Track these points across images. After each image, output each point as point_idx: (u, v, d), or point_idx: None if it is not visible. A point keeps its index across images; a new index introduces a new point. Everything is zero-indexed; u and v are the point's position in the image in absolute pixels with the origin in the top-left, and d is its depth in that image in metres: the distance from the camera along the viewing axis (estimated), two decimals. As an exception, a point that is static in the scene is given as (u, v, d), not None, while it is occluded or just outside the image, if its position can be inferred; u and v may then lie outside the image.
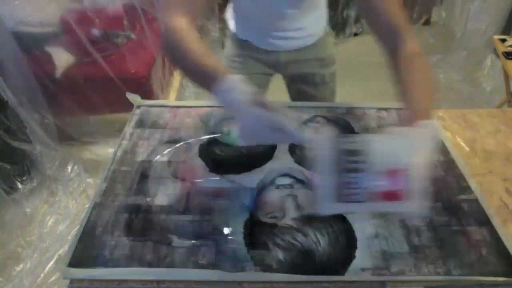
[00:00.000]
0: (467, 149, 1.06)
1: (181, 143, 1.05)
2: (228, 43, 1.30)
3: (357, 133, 1.08)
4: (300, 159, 1.00)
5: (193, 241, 0.79)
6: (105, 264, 0.76)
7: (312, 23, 1.20)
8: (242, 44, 1.24)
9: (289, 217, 0.83)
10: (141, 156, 1.01)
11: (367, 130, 1.09)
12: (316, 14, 1.19)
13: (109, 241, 0.80)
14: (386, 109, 1.17)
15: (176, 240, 0.80)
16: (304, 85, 1.32)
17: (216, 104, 1.15)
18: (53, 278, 1.56)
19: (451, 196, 0.89)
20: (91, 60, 1.95)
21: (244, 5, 1.11)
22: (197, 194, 0.90)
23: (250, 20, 1.17)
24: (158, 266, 0.75)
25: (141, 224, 0.83)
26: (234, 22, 1.23)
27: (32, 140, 1.81)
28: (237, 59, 1.28)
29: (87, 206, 0.89)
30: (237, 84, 0.68)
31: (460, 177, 0.94)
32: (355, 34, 3.38)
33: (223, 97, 0.69)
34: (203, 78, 0.74)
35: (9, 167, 1.79)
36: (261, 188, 0.91)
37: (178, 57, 0.80)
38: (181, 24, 0.80)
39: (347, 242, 0.79)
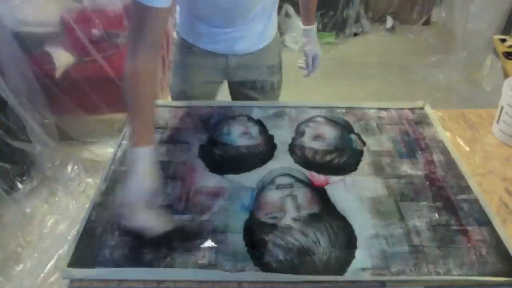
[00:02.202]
0: (467, 149, 1.06)
1: (181, 143, 1.05)
2: (174, 50, 1.25)
3: (357, 133, 1.08)
4: (300, 159, 1.00)
5: (193, 241, 0.79)
6: (105, 264, 0.76)
7: (264, 26, 1.16)
8: (188, 52, 1.20)
9: (289, 217, 0.83)
10: (141, 156, 1.01)
11: (367, 130, 1.09)
12: (269, 16, 1.16)
13: (109, 241, 0.80)
14: (386, 109, 1.17)
15: (176, 240, 0.80)
16: (253, 91, 1.29)
17: (216, 104, 1.15)
18: (53, 278, 1.56)
19: (451, 196, 0.89)
20: (91, 60, 1.95)
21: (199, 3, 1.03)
22: (197, 194, 0.90)
23: (200, 19, 1.10)
24: (158, 266, 0.75)
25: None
26: (181, 24, 1.18)
27: (32, 140, 1.81)
28: (181, 71, 1.24)
29: (87, 206, 0.89)
30: (141, 158, 0.80)
31: (460, 177, 0.94)
32: (355, 34, 3.38)
33: (130, 158, 0.81)
34: (133, 131, 0.85)
35: (9, 167, 1.79)
36: (261, 188, 0.91)
37: (131, 103, 0.85)
38: (146, 72, 0.85)
39: (347, 242, 0.79)
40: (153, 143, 0.84)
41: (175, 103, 1.24)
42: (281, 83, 1.36)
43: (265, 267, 0.74)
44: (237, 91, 1.32)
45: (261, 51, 1.21)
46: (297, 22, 3.20)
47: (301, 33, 1.33)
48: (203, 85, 1.27)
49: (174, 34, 1.25)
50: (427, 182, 0.93)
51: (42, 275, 1.57)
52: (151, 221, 0.77)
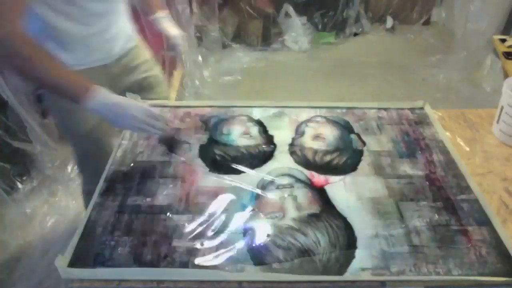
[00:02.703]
0: (467, 149, 1.06)
1: (181, 143, 1.05)
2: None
3: (357, 133, 1.08)
4: (300, 159, 1.00)
5: (193, 241, 0.80)
6: (105, 264, 0.76)
7: (124, 25, 1.14)
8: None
9: (289, 217, 0.83)
10: (141, 156, 1.01)
11: (367, 130, 1.09)
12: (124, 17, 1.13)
13: (109, 241, 0.80)
14: (386, 109, 1.17)
15: (176, 240, 0.80)
16: (145, 93, 1.21)
17: (216, 104, 1.15)
18: (53, 278, 1.56)
19: (451, 196, 0.89)
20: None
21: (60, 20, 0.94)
22: (197, 194, 0.90)
23: (73, 37, 0.99)
24: (158, 266, 0.75)
25: (141, 224, 0.83)
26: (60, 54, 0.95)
27: (32, 140, 1.81)
28: (65, 109, 1.07)
29: (87, 206, 0.89)
30: (106, 92, 0.85)
31: (460, 177, 0.94)
32: (355, 34, 3.38)
33: (100, 102, 0.85)
34: (67, 91, 0.85)
35: (9, 167, 1.79)
36: (261, 188, 0.91)
37: (43, 68, 0.82)
38: (25, 35, 0.81)
39: (347, 242, 0.79)
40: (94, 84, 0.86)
41: (175, 103, 1.24)
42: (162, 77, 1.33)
43: (265, 267, 0.74)
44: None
45: (134, 50, 1.19)
46: (297, 22, 3.20)
47: (157, 22, 1.25)
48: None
49: None
50: (427, 182, 0.93)
51: (42, 275, 1.57)
52: (158, 124, 0.90)
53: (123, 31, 1.13)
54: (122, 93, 1.03)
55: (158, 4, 1.25)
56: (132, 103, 0.89)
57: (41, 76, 0.84)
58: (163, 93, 1.32)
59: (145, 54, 1.26)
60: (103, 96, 0.86)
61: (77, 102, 0.85)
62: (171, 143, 1.04)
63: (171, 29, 1.24)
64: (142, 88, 1.23)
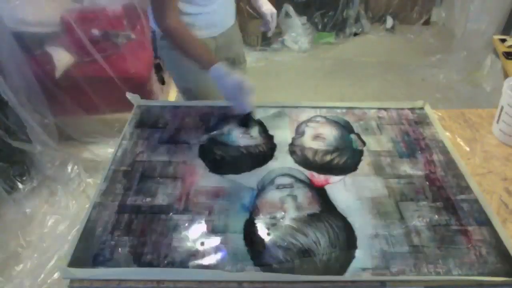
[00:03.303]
0: (467, 149, 1.06)
1: (181, 143, 1.05)
2: (166, 51, 1.29)
3: (357, 133, 1.08)
4: (300, 159, 1.00)
5: (193, 241, 0.80)
6: (105, 264, 0.76)
7: (230, 5, 1.33)
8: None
9: (289, 217, 0.83)
10: (141, 156, 1.01)
11: (367, 130, 1.09)
12: None
13: (109, 241, 0.80)
14: (386, 109, 1.17)
15: (176, 240, 0.80)
16: (233, 66, 1.38)
17: (216, 104, 1.15)
18: (53, 278, 1.56)
19: (451, 196, 0.89)
20: (91, 60, 1.95)
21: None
22: (197, 194, 0.90)
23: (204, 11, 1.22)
24: (158, 266, 0.75)
25: (141, 224, 0.83)
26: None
27: (32, 140, 1.81)
28: (180, 67, 1.30)
29: (87, 206, 0.89)
30: (224, 66, 1.05)
31: (460, 177, 0.94)
32: (355, 34, 3.38)
33: (215, 73, 1.05)
34: (203, 60, 1.09)
35: (9, 167, 1.79)
36: (261, 188, 0.91)
37: (184, 47, 1.13)
38: (177, 25, 1.12)
39: (347, 242, 0.79)
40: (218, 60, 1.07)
41: (175, 103, 1.24)
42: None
43: (265, 267, 0.74)
44: None
45: (234, 25, 1.39)
46: (297, 22, 3.20)
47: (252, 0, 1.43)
48: (201, 73, 1.32)
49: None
50: (427, 182, 0.93)
51: (42, 275, 1.56)
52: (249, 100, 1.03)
53: (229, 11, 1.34)
54: None
55: None
56: (238, 79, 1.02)
57: (186, 51, 1.12)
58: (244, 71, 1.55)
59: (238, 33, 1.49)
60: (219, 68, 1.05)
61: (204, 69, 1.08)
62: (247, 119, 1.10)
63: (264, 6, 1.40)
64: (233, 62, 1.44)
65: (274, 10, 1.40)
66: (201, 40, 1.19)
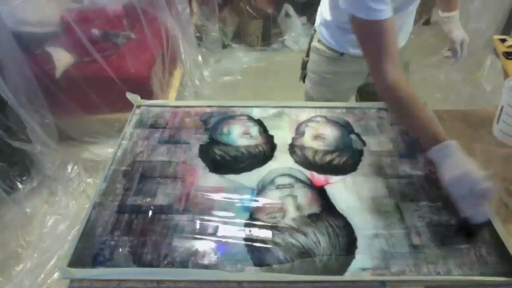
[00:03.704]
0: (467, 149, 1.06)
1: (181, 143, 1.05)
2: (315, 58, 1.29)
3: (357, 133, 1.08)
4: (300, 159, 1.00)
5: (193, 241, 0.80)
6: (105, 264, 0.76)
7: (411, 22, 1.19)
8: (337, 60, 1.23)
9: (289, 217, 0.83)
10: (141, 156, 1.01)
11: (367, 130, 1.09)
12: (413, 12, 1.17)
13: (109, 241, 0.80)
14: (386, 109, 1.17)
15: (176, 240, 0.80)
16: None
17: (216, 104, 1.15)
18: (53, 278, 1.56)
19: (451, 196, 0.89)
20: (91, 60, 1.95)
21: None
22: (197, 194, 0.90)
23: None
24: (158, 266, 0.75)
25: (141, 224, 0.83)
26: (329, 34, 1.20)
27: (32, 140, 1.81)
28: (327, 80, 1.28)
29: (87, 206, 0.89)
30: (457, 150, 0.82)
31: (460, 177, 0.94)
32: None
33: (439, 153, 0.84)
34: (425, 134, 0.89)
35: (9, 167, 1.79)
36: (261, 188, 0.91)
37: (403, 111, 0.92)
38: (400, 80, 0.90)
39: (347, 242, 0.79)
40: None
41: (175, 103, 1.24)
42: None
43: (265, 267, 0.74)
44: (367, 92, 1.34)
45: (401, 49, 1.19)
46: (297, 22, 3.20)
47: (442, 21, 1.28)
48: (346, 91, 1.32)
49: (316, 43, 1.27)
50: (427, 182, 0.93)
51: (42, 275, 1.57)
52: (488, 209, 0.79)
53: (406, 29, 1.19)
54: (368, 86, 1.26)
55: (456, 4, 1.27)
56: (473, 175, 0.76)
57: (407, 118, 0.93)
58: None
59: (406, 56, 1.26)
60: (448, 151, 0.83)
61: (424, 145, 0.89)
62: (469, 230, 0.82)
63: (456, 30, 1.26)
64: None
65: (467, 38, 1.25)
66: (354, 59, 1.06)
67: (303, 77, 1.39)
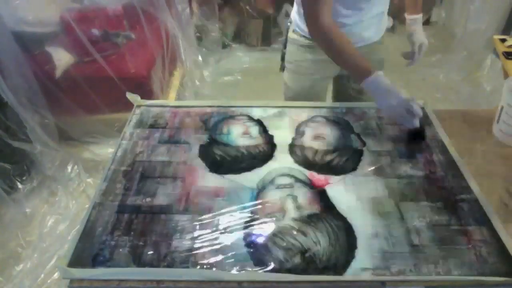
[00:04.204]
0: (467, 149, 1.06)
1: (181, 143, 1.05)
2: (291, 48, 1.30)
3: (357, 133, 1.08)
4: (300, 159, 1.00)
5: (193, 241, 0.79)
6: (105, 264, 0.76)
7: (383, 15, 1.23)
8: (309, 49, 1.25)
9: (289, 217, 0.83)
10: (141, 156, 1.01)
11: (367, 130, 1.09)
12: (386, 4, 1.22)
13: (109, 241, 0.80)
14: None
15: (176, 240, 0.80)
16: (355, 87, 1.33)
17: (216, 104, 1.15)
18: (53, 278, 1.56)
19: (451, 196, 0.89)
20: (91, 60, 1.95)
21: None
22: (197, 194, 0.90)
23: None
24: (158, 266, 0.75)
25: (141, 224, 0.83)
26: (302, 20, 1.19)
27: (32, 140, 1.81)
28: (303, 64, 1.29)
29: (87, 206, 0.89)
30: (384, 78, 0.98)
31: (460, 177, 0.94)
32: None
33: (373, 84, 0.97)
34: (355, 70, 1.01)
35: (9, 167, 1.78)
36: (261, 188, 0.91)
37: (334, 50, 1.05)
38: (332, 24, 1.03)
39: (347, 242, 0.79)
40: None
41: (175, 103, 1.24)
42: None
43: (265, 267, 0.74)
44: (341, 85, 1.38)
45: (375, 44, 1.26)
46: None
47: (407, 23, 1.34)
48: (322, 80, 1.34)
49: (291, 34, 1.29)
50: (427, 182, 0.93)
51: (42, 275, 1.57)
52: (412, 121, 0.96)
53: (376, 25, 1.24)
54: (341, 80, 1.35)
55: (420, 8, 1.37)
56: (397, 94, 0.96)
57: (340, 55, 1.04)
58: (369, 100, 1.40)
59: (380, 54, 1.34)
60: (378, 80, 0.97)
61: (358, 79, 1.01)
62: (419, 136, 1.05)
63: (416, 34, 1.31)
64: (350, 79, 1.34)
65: (425, 42, 1.30)
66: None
67: (283, 68, 1.42)
